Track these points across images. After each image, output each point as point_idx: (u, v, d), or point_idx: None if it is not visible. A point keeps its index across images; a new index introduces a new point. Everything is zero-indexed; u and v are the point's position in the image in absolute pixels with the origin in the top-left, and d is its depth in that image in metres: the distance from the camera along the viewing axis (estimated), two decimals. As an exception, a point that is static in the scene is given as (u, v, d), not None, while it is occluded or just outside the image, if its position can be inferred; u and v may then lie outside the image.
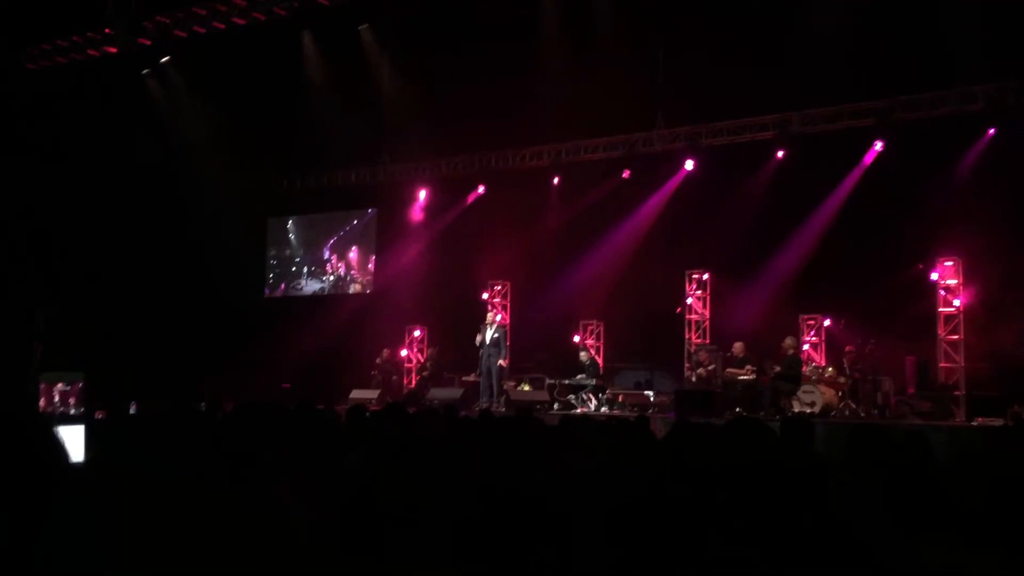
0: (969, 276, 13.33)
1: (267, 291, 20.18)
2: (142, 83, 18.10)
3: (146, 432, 5.45)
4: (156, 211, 17.97)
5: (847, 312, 13.99)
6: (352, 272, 19.24)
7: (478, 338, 14.93)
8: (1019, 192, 12.43)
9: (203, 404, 7.14)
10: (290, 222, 20.16)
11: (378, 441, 5.15)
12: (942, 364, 13.31)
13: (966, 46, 12.44)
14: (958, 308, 13.38)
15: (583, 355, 15.28)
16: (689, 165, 15.54)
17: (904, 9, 12.80)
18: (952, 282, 13.46)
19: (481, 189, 17.65)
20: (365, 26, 16.50)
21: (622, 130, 16.01)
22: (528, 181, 16.91)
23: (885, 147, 13.96)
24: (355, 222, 19.38)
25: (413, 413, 7.19)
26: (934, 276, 13.56)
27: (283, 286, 20.09)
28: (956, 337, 13.35)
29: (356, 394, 15.34)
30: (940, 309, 13.50)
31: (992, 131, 13.18)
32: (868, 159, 14.15)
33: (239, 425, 5.43)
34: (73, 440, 3.18)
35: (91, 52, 17.72)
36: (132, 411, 6.86)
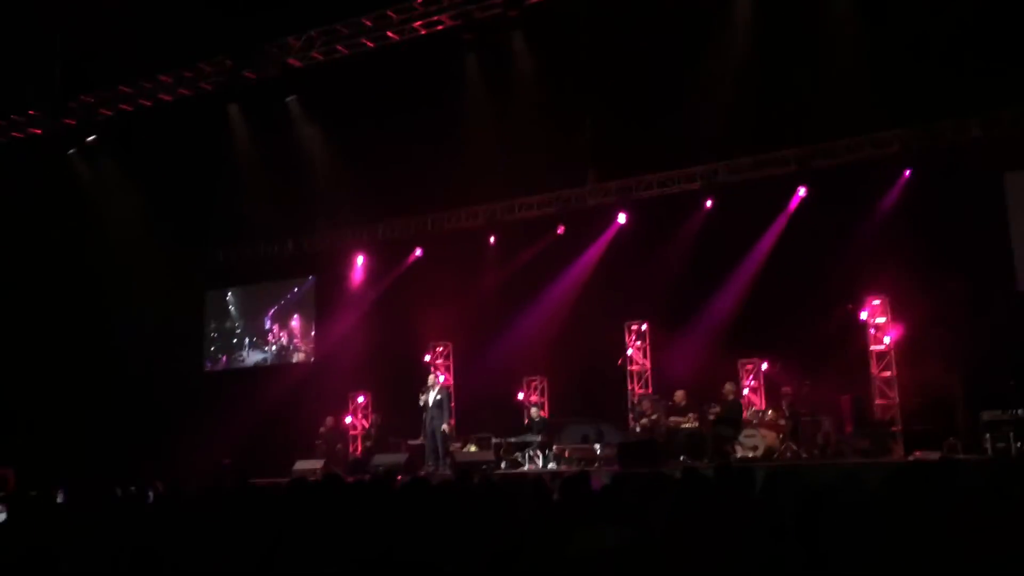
0: (896, 313, 13.68)
1: (208, 365, 19.88)
2: (68, 163, 17.88)
3: (64, 523, 5.33)
4: (87, 291, 17.70)
5: (783, 354, 14.22)
6: (295, 340, 19.07)
7: (421, 398, 14.85)
8: (936, 230, 12.86)
9: (132, 488, 6.99)
10: (229, 293, 19.98)
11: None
12: (877, 401, 13.58)
13: (879, 92, 12.93)
14: (888, 345, 13.70)
15: (534, 411, 15.25)
16: (622, 218, 15.80)
17: (818, 58, 13.26)
18: (881, 320, 13.80)
19: (418, 252, 17.70)
20: (293, 98, 16.57)
21: (554, 186, 16.24)
22: (464, 241, 17.02)
23: (808, 192, 14.36)
24: (295, 290, 19.27)
25: (351, 483, 7.11)
26: (863, 315, 13.88)
27: (224, 358, 19.83)
28: (889, 373, 13.64)
29: (300, 465, 15.11)
30: (871, 347, 13.81)
31: (907, 173, 13.65)
32: (793, 205, 14.53)
33: (161, 513, 5.33)
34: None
35: (15, 134, 17.52)
36: (59, 499, 6.69)
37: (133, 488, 6.96)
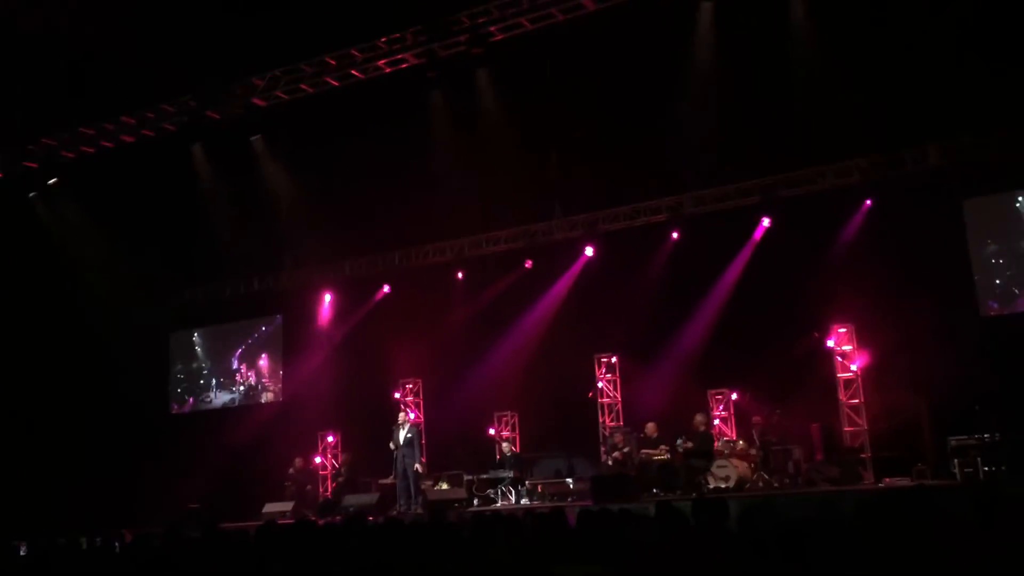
0: (863, 340, 13.81)
1: (175, 407, 19.59)
2: (30, 206, 17.66)
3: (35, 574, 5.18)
4: (49, 335, 17.43)
5: (752, 384, 14.30)
6: (263, 380, 18.87)
7: (391, 444, 14.69)
8: (898, 257, 13.05)
9: (98, 539, 6.82)
10: (195, 334, 19.76)
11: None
12: (846, 428, 13.67)
13: (838, 123, 13.13)
14: (855, 372, 13.81)
15: (505, 447, 15.18)
16: (589, 251, 15.87)
17: (777, 89, 13.47)
18: (847, 348, 13.92)
19: (386, 288, 17.64)
20: (257, 137, 16.53)
21: (521, 221, 16.29)
22: (432, 277, 16.99)
23: (772, 222, 14.51)
24: (263, 329, 19.11)
25: (321, 526, 7.01)
26: (830, 343, 14.00)
27: (191, 400, 19.56)
28: (856, 401, 13.75)
29: (269, 507, 14.90)
30: (839, 374, 13.91)
31: (869, 202, 13.84)
32: (757, 235, 14.67)
33: (135, 562, 5.20)
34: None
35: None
36: (22, 552, 6.51)
37: (99, 539, 6.80)
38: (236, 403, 19.08)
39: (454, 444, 16.20)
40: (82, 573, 5.28)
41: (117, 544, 6.72)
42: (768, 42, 13.43)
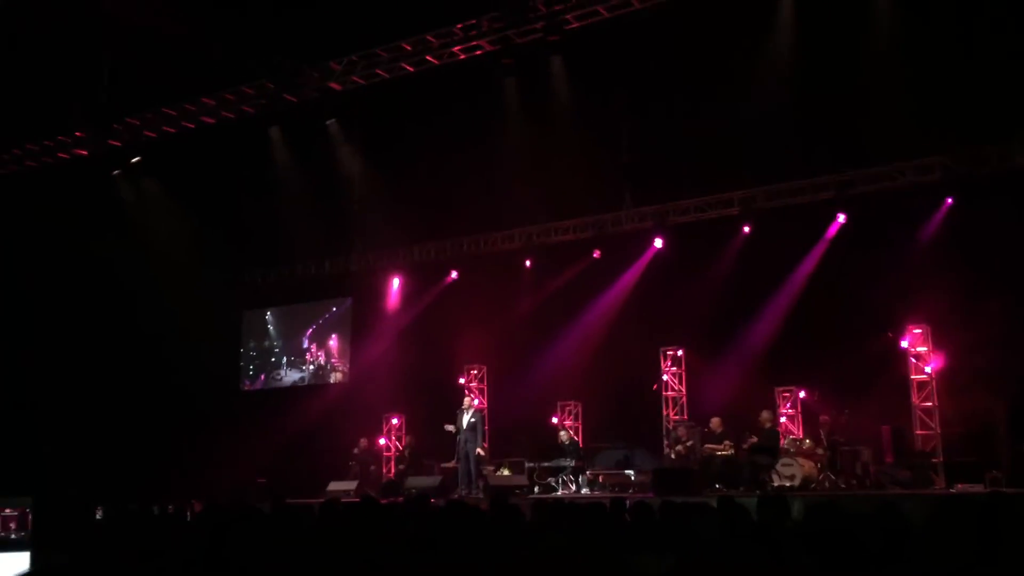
0: (938, 342, 13.47)
1: (247, 383, 20.03)
2: (113, 184, 18.22)
3: (108, 537, 5.37)
4: (128, 311, 17.97)
5: (821, 383, 14.06)
6: (332, 360, 19.16)
7: (448, 427, 14.81)
8: (978, 257, 12.67)
9: (170, 507, 7.03)
10: (268, 313, 20.16)
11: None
12: (918, 431, 13.35)
13: (920, 118, 12.79)
14: (930, 374, 13.48)
15: (563, 435, 15.21)
16: (658, 243, 15.74)
17: (859, 83, 13.17)
18: (922, 349, 13.60)
19: (454, 274, 17.75)
20: (332, 120, 16.76)
21: (591, 211, 16.23)
22: (500, 264, 17.04)
23: (847, 219, 14.21)
24: (333, 310, 19.41)
25: (386, 505, 7.11)
26: (904, 343, 13.68)
27: (263, 377, 19.98)
28: (930, 404, 13.42)
29: (333, 486, 15.15)
30: (912, 376, 13.60)
31: (950, 200, 13.46)
32: (831, 231, 14.38)
33: (205, 530, 5.35)
34: (15, 569, 3.14)
35: (61, 155, 17.88)
36: (98, 516, 6.75)
37: (170, 507, 7.01)
38: (305, 381, 19.42)
39: (517, 431, 16.26)
40: (153, 537, 5.45)
41: (188, 513, 6.93)
42: (850, 32, 13.14)
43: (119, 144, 17.57)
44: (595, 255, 16.30)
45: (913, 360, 13.64)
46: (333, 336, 19.23)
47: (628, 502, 7.54)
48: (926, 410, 13.44)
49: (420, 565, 4.47)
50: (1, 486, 12.12)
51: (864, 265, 13.51)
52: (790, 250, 14.62)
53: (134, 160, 17.73)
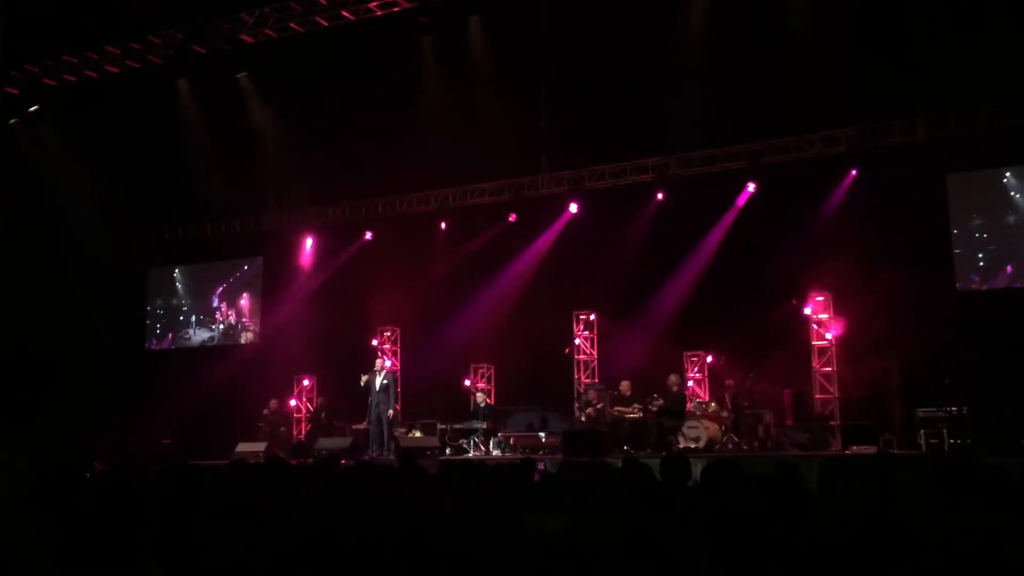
0: (839, 309, 13.92)
1: (154, 342, 19.53)
2: (10, 132, 17.42)
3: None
4: (27, 266, 17.29)
5: (727, 348, 14.40)
6: (243, 320, 18.80)
7: (363, 378, 14.74)
8: (880, 229, 13.10)
9: (70, 466, 6.80)
10: (176, 271, 19.64)
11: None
12: (817, 395, 13.82)
13: (828, 91, 13.11)
14: (830, 341, 13.94)
15: (479, 397, 15.27)
16: (573, 208, 15.83)
17: (770, 56, 13.41)
18: (823, 316, 14.03)
19: (368, 235, 17.56)
20: (244, 74, 16.32)
21: (507, 174, 16.20)
22: (416, 226, 16.93)
23: (757, 188, 14.52)
24: (245, 268, 19.00)
25: (295, 465, 7.05)
26: (807, 311, 14.10)
27: (170, 336, 19.50)
28: (829, 369, 13.89)
29: (242, 447, 14.95)
30: (813, 342, 14.04)
31: (854, 172, 13.86)
32: (741, 200, 14.68)
33: (104, 490, 5.21)
34: None
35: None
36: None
37: (71, 467, 6.78)
38: (215, 341, 19.04)
39: (429, 393, 16.27)
40: (50, 496, 5.29)
41: (88, 474, 6.72)
42: (763, 7, 13.34)
43: (16, 92, 16.81)
44: (511, 219, 16.31)
45: (815, 327, 14.07)
46: (244, 295, 18.87)
47: (540, 464, 7.66)
48: (826, 375, 13.91)
49: (324, 523, 4.45)
50: None
51: (772, 233, 13.83)
52: (702, 217, 14.88)
53: (32, 109, 16.98)
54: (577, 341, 15.75)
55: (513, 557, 3.30)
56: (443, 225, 16.85)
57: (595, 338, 15.78)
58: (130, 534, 3.92)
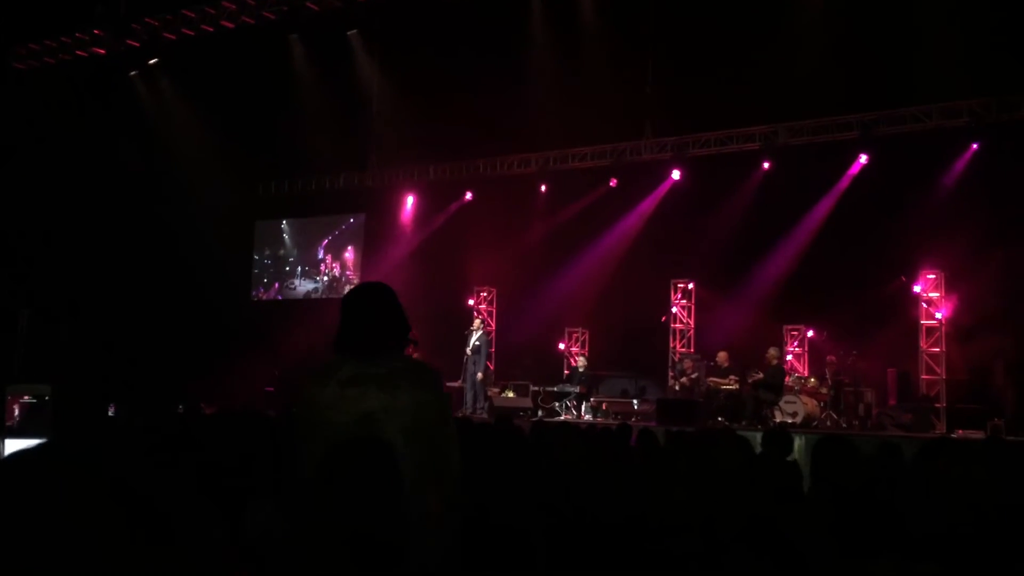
0: (951, 289, 13.42)
1: (260, 291, 20.09)
2: (130, 85, 18.07)
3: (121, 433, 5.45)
4: (138, 214, 17.97)
5: (830, 323, 14.05)
6: (348, 273, 19.16)
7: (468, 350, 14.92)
8: (1000, 207, 12.53)
9: (180, 408, 7.13)
10: (284, 223, 20.12)
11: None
12: (923, 376, 13.41)
13: (950, 61, 12.54)
14: (940, 321, 13.47)
15: (581, 360, 15.21)
16: (676, 175, 15.59)
17: (889, 23, 12.91)
18: (934, 295, 13.56)
19: (468, 196, 17.66)
20: (354, 31, 16.51)
21: (610, 139, 16.04)
22: (515, 188, 16.94)
23: (869, 160, 14.04)
24: (351, 221, 19.35)
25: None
26: (916, 288, 13.65)
27: (276, 286, 20.05)
28: (937, 350, 13.44)
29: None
30: (922, 321, 13.59)
31: (975, 146, 13.27)
32: (852, 172, 14.23)
33: (214, 432, 5.42)
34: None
35: (79, 52, 17.71)
36: (111, 413, 6.86)
37: (181, 408, 7.11)
38: (320, 293, 19.46)
39: (523, 355, 16.37)
40: (164, 435, 5.53)
41: (197, 417, 7.01)
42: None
43: (137, 45, 17.38)
44: (611, 183, 16.17)
45: (924, 305, 13.61)
46: (349, 248, 19.17)
47: (634, 429, 7.64)
48: (933, 356, 13.47)
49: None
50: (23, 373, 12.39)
51: (883, 207, 13.38)
52: (809, 188, 14.49)
53: (152, 61, 17.55)
54: (674, 309, 15.61)
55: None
56: (543, 188, 16.82)
57: (692, 307, 15.61)
58: (245, 474, 4.08)
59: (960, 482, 4.33)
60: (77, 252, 17.75)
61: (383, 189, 18.45)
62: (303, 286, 19.68)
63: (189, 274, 17.95)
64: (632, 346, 15.75)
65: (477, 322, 15.51)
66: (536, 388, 15.18)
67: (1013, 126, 12.86)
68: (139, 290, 17.74)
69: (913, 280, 13.64)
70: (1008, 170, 12.58)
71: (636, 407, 14.69)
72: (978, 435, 11.43)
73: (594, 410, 14.67)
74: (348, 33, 16.59)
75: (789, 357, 14.45)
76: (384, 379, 2.90)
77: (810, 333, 14.45)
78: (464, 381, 15.06)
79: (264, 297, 20.07)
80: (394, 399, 2.87)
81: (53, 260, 17.55)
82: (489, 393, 14.83)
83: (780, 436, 6.10)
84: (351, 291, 3.15)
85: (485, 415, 13.74)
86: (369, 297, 3.07)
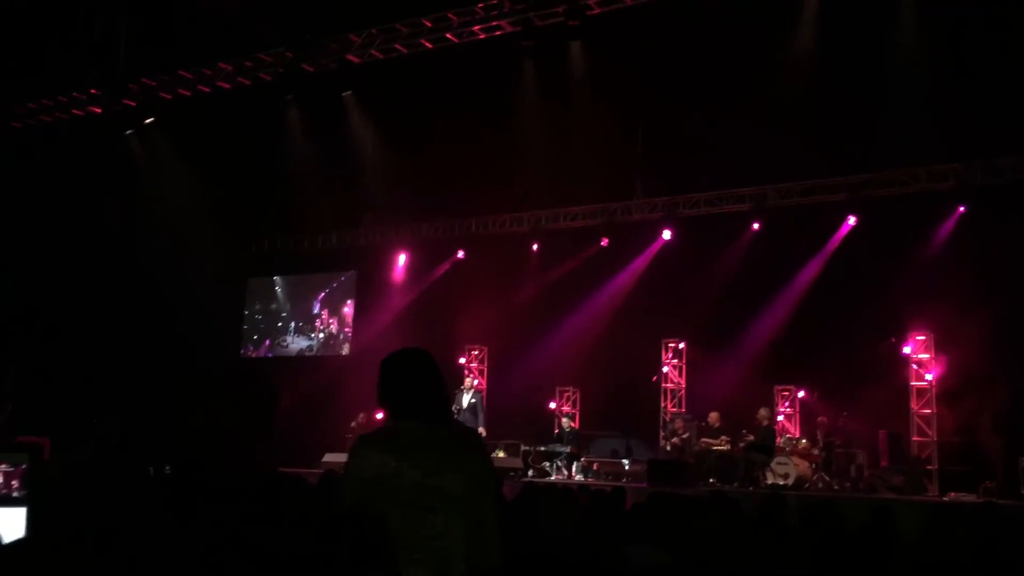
0: (941, 350, 13.46)
1: (250, 348, 19.96)
2: (124, 144, 18.21)
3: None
4: (128, 271, 17.97)
5: (821, 384, 14.07)
6: (346, 329, 19.05)
7: (454, 407, 14.85)
8: (987, 268, 12.65)
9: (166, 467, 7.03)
10: (277, 278, 20.08)
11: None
12: (915, 438, 13.38)
13: (936, 125, 12.74)
14: (930, 382, 13.49)
15: (565, 422, 15.22)
16: (667, 234, 15.70)
17: (874, 88, 13.14)
18: (924, 356, 13.60)
19: (460, 254, 17.73)
20: (349, 92, 16.73)
21: (601, 199, 16.20)
22: (507, 247, 17.02)
23: (858, 222, 14.17)
24: (342, 278, 19.35)
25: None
26: (906, 350, 13.68)
27: (267, 343, 19.91)
28: (928, 411, 13.44)
29: (329, 458, 15.18)
30: (912, 383, 13.61)
31: (962, 209, 13.42)
32: (841, 233, 14.35)
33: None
34: (12, 524, 3.14)
35: (75, 112, 17.87)
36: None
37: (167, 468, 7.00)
38: (314, 351, 19.34)
39: (514, 414, 16.29)
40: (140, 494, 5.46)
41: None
42: (872, 36, 13.08)
43: (133, 104, 17.55)
44: (603, 243, 16.27)
45: (914, 367, 13.64)
46: (348, 303, 19.08)
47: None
48: (924, 417, 13.46)
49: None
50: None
51: (872, 269, 13.49)
52: (798, 250, 14.60)
53: (148, 121, 17.70)
54: (665, 369, 15.61)
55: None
56: (535, 247, 16.90)
57: (684, 367, 15.61)
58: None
59: (958, 547, 4.31)
60: (69, 309, 17.69)
61: (375, 247, 18.52)
62: (296, 343, 19.58)
63: (179, 333, 17.87)
64: (623, 405, 15.72)
65: (468, 381, 15.47)
66: (527, 448, 15.09)
67: (998, 189, 13.03)
68: (131, 348, 17.65)
69: (903, 342, 13.68)
70: (993, 232, 12.72)
71: (627, 467, 14.59)
72: (970, 498, 11.40)
73: (585, 470, 14.57)
74: (343, 94, 16.79)
75: (780, 418, 14.41)
76: (450, 441, 3.12)
77: (801, 394, 14.44)
78: (454, 440, 14.89)
79: (254, 355, 19.95)
80: (464, 460, 3.08)
81: (39, 320, 17.50)
82: (479, 453, 14.68)
83: (775, 499, 6.05)
84: (399, 356, 3.28)
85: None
86: (424, 362, 3.23)
